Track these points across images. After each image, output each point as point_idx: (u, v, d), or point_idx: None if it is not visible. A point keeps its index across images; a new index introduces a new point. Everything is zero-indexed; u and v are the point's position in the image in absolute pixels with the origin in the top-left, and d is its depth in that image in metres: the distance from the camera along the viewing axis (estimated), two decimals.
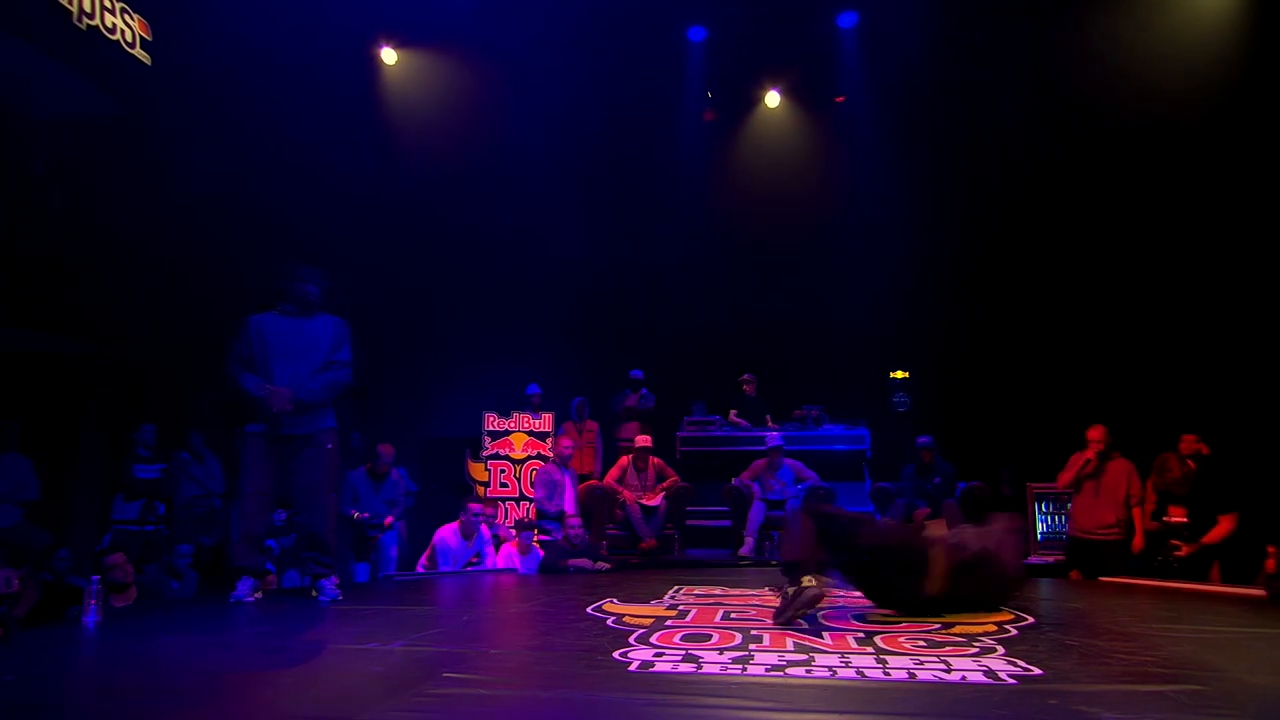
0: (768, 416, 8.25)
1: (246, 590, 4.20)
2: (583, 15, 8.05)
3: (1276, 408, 6.90)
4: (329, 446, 4.29)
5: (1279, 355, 7.04)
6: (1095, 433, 6.32)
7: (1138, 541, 6.02)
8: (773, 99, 9.27)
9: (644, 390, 8.71)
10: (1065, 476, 6.40)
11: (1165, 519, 5.92)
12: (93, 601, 3.50)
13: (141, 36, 6.49)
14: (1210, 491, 5.80)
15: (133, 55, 6.39)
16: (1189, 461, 6.03)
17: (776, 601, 3.69)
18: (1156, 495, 6.06)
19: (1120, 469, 6.24)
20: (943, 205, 8.82)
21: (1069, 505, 6.70)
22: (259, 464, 4.20)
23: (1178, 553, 5.72)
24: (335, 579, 4.32)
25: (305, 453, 4.22)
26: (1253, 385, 7.12)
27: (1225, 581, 5.28)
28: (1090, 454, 6.23)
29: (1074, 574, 6.06)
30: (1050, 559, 6.73)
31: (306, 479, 4.23)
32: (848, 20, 8.62)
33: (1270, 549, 5.11)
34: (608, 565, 6.32)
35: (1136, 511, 6.08)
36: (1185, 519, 5.80)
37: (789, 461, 7.24)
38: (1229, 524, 5.61)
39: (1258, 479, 6.11)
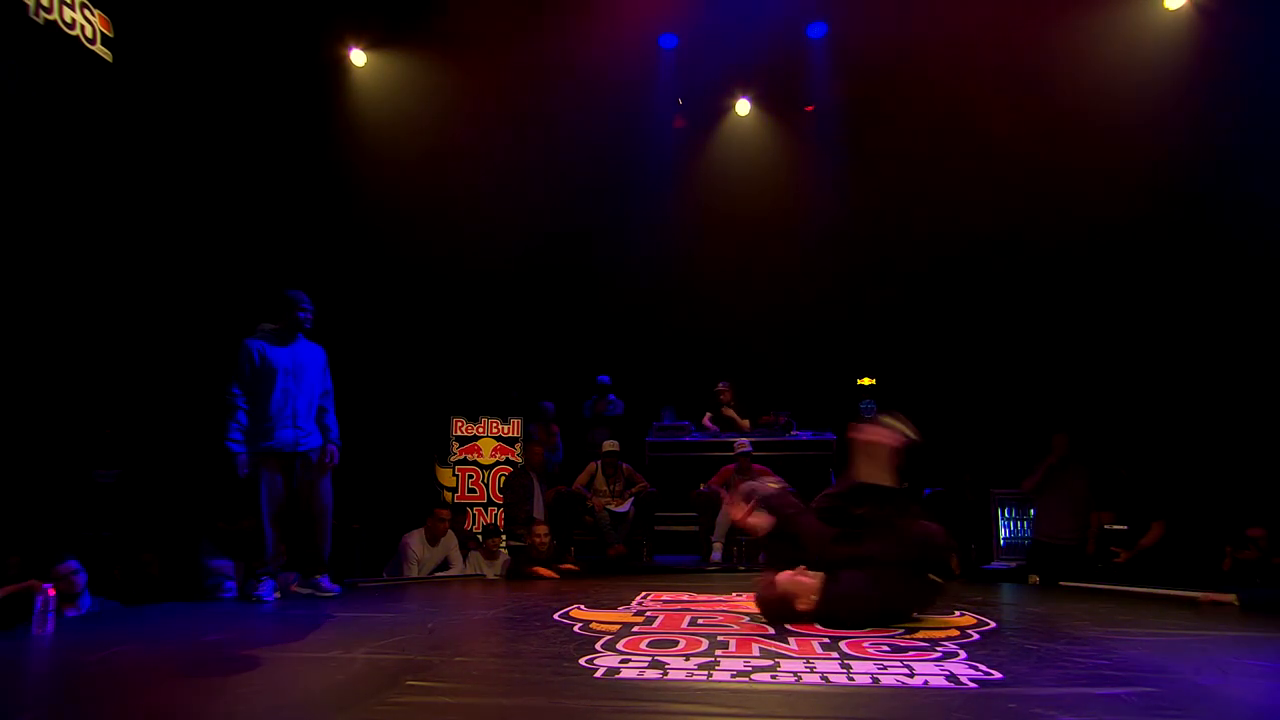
0: (746, 423, 8.28)
1: (270, 590, 4.72)
2: (554, 18, 8.05)
3: (1210, 414, 7.13)
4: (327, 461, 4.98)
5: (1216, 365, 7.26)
6: (1058, 440, 6.60)
7: (1091, 545, 6.34)
8: (743, 106, 9.33)
9: (611, 396, 8.70)
10: (1030, 481, 6.72)
11: (1104, 526, 6.25)
12: (45, 611, 3.41)
13: (103, 33, 6.34)
14: (1141, 500, 6.21)
15: (93, 51, 6.25)
16: (1123, 471, 6.37)
17: (748, 606, 3.71)
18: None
19: (1080, 476, 6.48)
20: (909, 214, 8.94)
21: (1032, 511, 6.94)
22: (275, 479, 4.76)
23: (1117, 559, 6.02)
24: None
25: (313, 467, 4.87)
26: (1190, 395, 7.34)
27: (1179, 585, 5.44)
28: (1053, 458, 6.55)
29: (1033, 578, 6.20)
30: (1012, 564, 6.85)
31: (322, 489, 4.89)
32: (817, 31, 8.72)
33: (1228, 549, 5.29)
34: (575, 571, 6.30)
35: (1093, 517, 6.39)
36: (1123, 526, 6.15)
37: (757, 467, 7.28)
38: (1160, 529, 6.01)
39: (1185, 485, 6.44)
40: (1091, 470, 6.57)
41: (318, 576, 4.89)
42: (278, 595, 4.76)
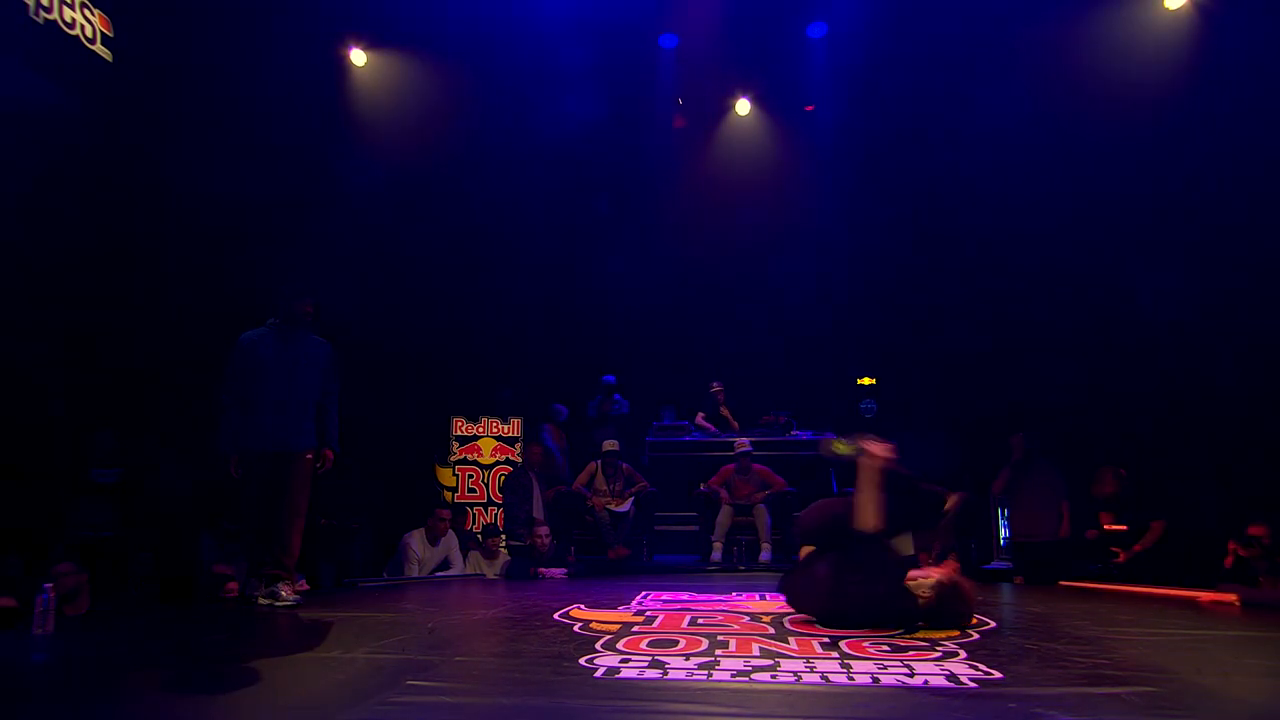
0: (736, 423, 8.28)
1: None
2: (555, 20, 8.05)
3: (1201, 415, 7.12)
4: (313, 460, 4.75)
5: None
6: (1015, 441, 6.73)
7: (1064, 529, 6.38)
8: (743, 106, 9.33)
9: (617, 396, 8.69)
10: (998, 484, 6.87)
11: (1105, 528, 6.25)
12: (45, 611, 3.41)
13: (103, 32, 6.33)
14: (1142, 501, 6.26)
15: (93, 51, 6.24)
16: (1121, 472, 6.38)
17: (748, 606, 3.70)
18: (1090, 505, 6.49)
19: (1046, 472, 6.52)
20: (909, 213, 8.94)
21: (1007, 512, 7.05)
22: (260, 478, 4.60)
23: (1116, 560, 6.04)
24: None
25: (294, 466, 4.60)
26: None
27: (1179, 584, 5.44)
28: (1015, 457, 6.72)
29: (1018, 579, 6.22)
30: (1012, 564, 6.85)
31: (296, 490, 4.60)
32: (817, 30, 8.72)
33: (1231, 545, 5.28)
34: (575, 571, 6.31)
35: (1064, 505, 6.44)
36: (1123, 527, 6.16)
37: (757, 466, 7.28)
38: (1159, 530, 6.04)
39: (1185, 484, 6.43)
40: (1059, 465, 6.63)
41: (277, 584, 4.49)
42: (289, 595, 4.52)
